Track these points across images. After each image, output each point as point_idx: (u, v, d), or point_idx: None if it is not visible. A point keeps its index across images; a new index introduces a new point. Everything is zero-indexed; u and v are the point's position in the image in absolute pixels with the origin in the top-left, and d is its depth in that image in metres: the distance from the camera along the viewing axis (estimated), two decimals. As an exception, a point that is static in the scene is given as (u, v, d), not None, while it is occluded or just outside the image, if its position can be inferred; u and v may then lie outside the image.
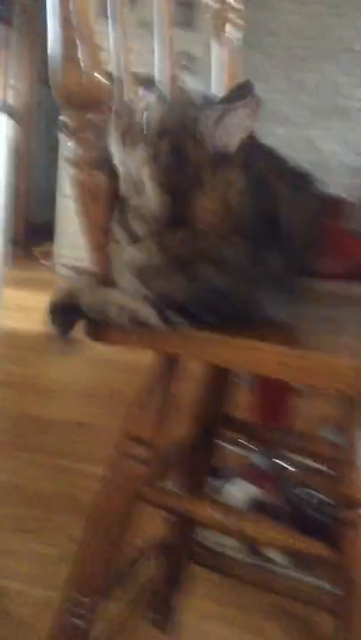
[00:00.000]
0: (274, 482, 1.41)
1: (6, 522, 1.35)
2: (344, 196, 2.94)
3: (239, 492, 1.46)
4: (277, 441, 0.90)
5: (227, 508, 0.67)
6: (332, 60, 4.53)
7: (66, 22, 0.55)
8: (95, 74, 0.56)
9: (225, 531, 0.66)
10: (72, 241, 3.89)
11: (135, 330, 0.58)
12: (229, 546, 1.12)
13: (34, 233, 4.61)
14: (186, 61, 3.87)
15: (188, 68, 3.87)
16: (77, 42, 0.55)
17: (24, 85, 4.67)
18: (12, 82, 4.40)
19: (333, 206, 2.40)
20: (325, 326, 0.66)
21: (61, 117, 0.59)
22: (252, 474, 1.44)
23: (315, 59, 4.54)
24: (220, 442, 0.94)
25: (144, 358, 0.69)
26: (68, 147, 0.59)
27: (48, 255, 4.29)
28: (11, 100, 4.32)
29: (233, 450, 1.47)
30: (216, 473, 1.55)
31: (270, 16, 4.56)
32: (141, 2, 3.17)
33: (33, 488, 1.49)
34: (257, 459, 1.48)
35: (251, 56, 4.61)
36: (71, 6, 0.55)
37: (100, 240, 0.60)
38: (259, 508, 1.39)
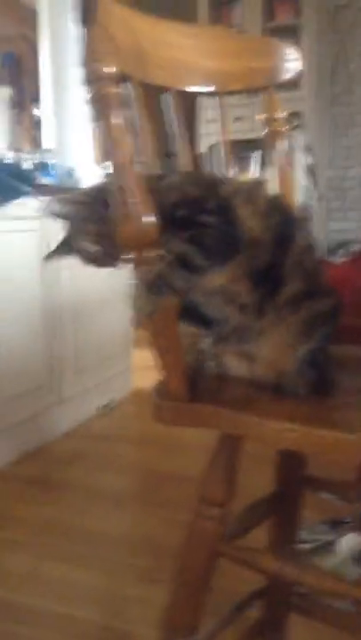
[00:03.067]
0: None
1: (133, 571, 1.51)
2: None
3: (350, 544, 1.51)
4: (354, 497, 0.98)
5: (295, 564, 0.77)
6: None
7: (122, 189, 0.73)
8: (147, 221, 0.73)
9: (290, 582, 0.77)
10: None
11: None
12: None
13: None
14: (297, 121, 4.03)
15: (299, 127, 4.03)
16: (133, 201, 0.73)
17: (149, 158, 5.07)
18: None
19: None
20: (349, 399, 0.77)
21: (127, 255, 0.76)
22: (361, 525, 1.49)
23: None
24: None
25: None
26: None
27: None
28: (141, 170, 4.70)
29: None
30: (335, 526, 1.62)
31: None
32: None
33: (160, 540, 1.65)
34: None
35: (357, 103, 4.67)
36: (126, 175, 0.73)
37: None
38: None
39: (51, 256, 0.87)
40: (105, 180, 0.79)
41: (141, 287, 0.73)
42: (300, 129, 4.11)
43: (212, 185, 0.83)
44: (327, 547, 1.54)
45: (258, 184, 0.86)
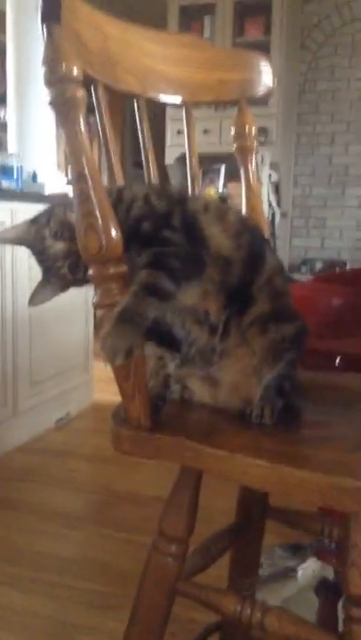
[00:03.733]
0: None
1: (84, 597, 1.44)
2: None
3: (310, 571, 1.48)
4: (317, 530, 0.94)
5: (252, 604, 0.72)
6: None
7: (85, 199, 0.68)
8: (112, 234, 0.68)
9: (250, 625, 0.72)
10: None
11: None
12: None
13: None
14: (263, 137, 4.05)
15: (265, 143, 4.05)
16: (96, 213, 0.68)
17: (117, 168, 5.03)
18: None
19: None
20: (314, 432, 0.73)
21: (90, 272, 0.71)
22: (322, 552, 1.46)
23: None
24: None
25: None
26: (94, 295, 0.71)
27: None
28: (105, 180, 4.66)
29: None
30: (295, 552, 1.58)
31: (343, 84, 4.69)
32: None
33: (114, 564, 1.58)
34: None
35: (326, 124, 4.73)
36: (90, 184, 0.68)
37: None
38: (326, 586, 1.40)
39: (34, 299, 0.84)
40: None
41: (112, 322, 0.65)
42: (267, 146, 4.12)
43: (180, 200, 0.79)
44: (287, 573, 1.50)
45: (226, 202, 0.84)
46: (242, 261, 0.78)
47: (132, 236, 0.73)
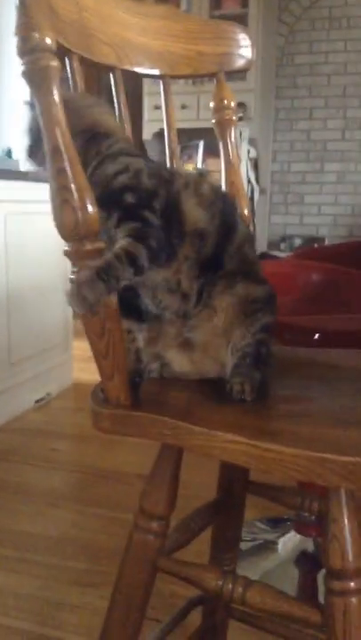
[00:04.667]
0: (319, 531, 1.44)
1: (67, 575, 1.45)
2: None
3: (291, 544, 1.50)
4: (296, 503, 0.95)
5: (233, 579, 0.73)
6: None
7: (60, 172, 0.66)
8: (88, 210, 0.67)
9: (231, 600, 0.73)
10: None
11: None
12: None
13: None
14: (241, 112, 4.01)
15: (243, 118, 4.01)
16: (72, 187, 0.66)
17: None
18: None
19: None
20: (293, 407, 0.73)
21: (65, 248, 0.70)
22: (301, 525, 1.48)
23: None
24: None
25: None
26: (71, 271, 0.70)
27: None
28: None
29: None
30: (276, 526, 1.60)
31: (320, 58, 4.65)
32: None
33: (96, 541, 1.59)
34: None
35: (304, 98, 4.70)
36: (65, 157, 0.66)
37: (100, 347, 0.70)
38: (306, 558, 1.43)
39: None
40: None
41: (86, 276, 0.67)
42: (245, 121, 4.09)
43: (168, 180, 0.80)
44: (267, 546, 1.52)
45: (203, 175, 0.83)
46: (216, 231, 0.79)
47: (111, 199, 0.74)
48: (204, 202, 0.79)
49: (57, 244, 0.72)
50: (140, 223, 0.73)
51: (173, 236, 0.76)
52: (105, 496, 1.84)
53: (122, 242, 0.71)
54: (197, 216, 0.78)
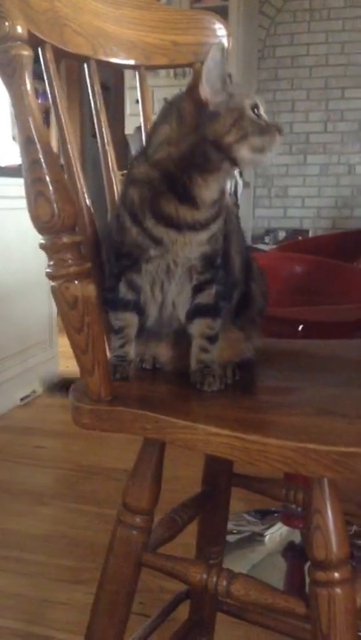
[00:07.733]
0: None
1: (53, 573, 1.44)
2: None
3: (278, 535, 1.51)
4: (283, 495, 0.95)
5: (218, 572, 0.72)
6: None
7: (34, 164, 0.65)
8: (65, 201, 0.66)
9: (216, 593, 0.72)
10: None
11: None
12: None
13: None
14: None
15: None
16: (47, 179, 0.65)
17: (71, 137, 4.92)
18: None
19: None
20: (277, 399, 0.73)
21: (41, 241, 0.69)
22: (288, 517, 1.48)
23: (350, 88, 4.59)
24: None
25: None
26: (48, 265, 0.69)
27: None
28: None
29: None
30: (263, 518, 1.60)
31: (302, 50, 4.65)
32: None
33: (82, 539, 1.58)
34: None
35: (286, 91, 4.70)
36: (38, 148, 0.65)
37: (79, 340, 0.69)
38: (293, 550, 1.43)
39: None
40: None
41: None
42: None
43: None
44: (255, 538, 1.52)
45: None
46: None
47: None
48: None
49: (40, 239, 0.70)
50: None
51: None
52: (91, 492, 1.83)
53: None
54: None
